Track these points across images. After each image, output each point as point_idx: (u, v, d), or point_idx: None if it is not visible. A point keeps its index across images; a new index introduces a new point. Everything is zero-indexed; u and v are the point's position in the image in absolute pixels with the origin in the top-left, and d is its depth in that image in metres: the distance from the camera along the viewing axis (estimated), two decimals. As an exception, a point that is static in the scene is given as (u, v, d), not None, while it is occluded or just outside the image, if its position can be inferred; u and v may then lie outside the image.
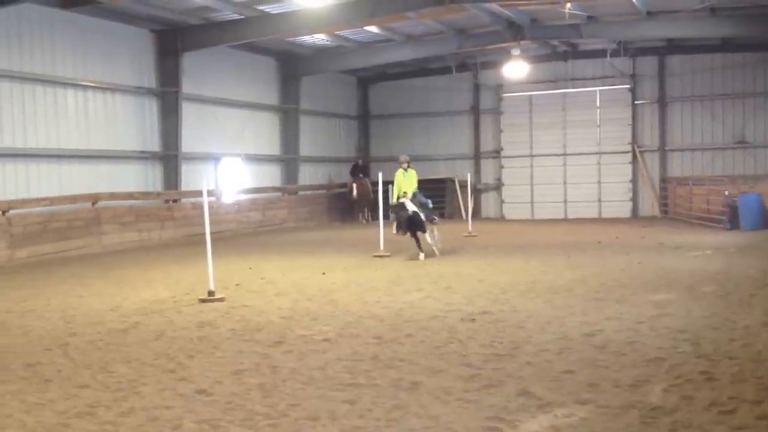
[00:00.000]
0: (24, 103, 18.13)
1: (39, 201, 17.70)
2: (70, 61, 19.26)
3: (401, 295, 11.16)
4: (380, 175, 18.03)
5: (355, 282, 12.67)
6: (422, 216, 15.97)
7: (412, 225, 15.78)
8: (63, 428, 5.58)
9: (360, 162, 29.64)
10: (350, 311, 9.98)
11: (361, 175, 28.57)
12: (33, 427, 5.61)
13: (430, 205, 16.98)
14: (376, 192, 25.73)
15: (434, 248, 16.11)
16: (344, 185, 29.22)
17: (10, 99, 17.78)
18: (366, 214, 28.35)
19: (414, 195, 16.52)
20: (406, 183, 16.72)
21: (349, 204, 28.55)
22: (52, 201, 17.99)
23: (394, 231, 15.85)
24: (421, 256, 15.65)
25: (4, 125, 17.63)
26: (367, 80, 32.04)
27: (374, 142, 32.43)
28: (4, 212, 16.65)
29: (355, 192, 27.82)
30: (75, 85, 19.42)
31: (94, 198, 19.14)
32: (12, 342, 8.61)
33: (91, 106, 20.01)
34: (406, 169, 16.94)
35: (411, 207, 15.86)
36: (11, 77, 17.74)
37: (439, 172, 30.34)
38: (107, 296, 11.75)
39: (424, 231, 15.88)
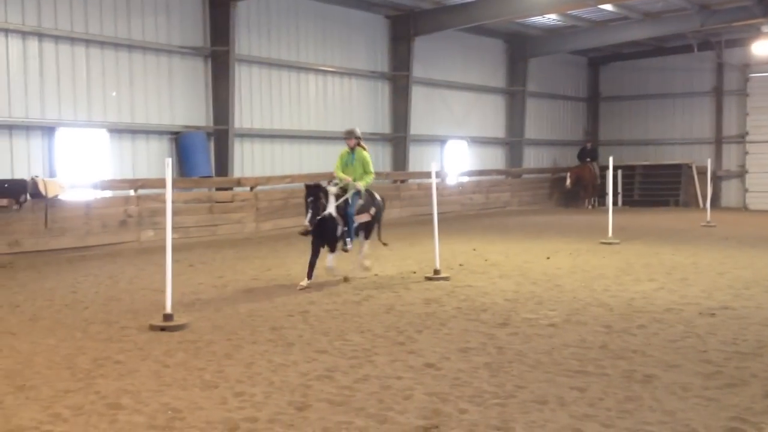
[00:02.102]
0: (271, 87, 19.60)
1: (282, 178, 19.08)
2: (312, 48, 20.49)
3: (631, 285, 10.72)
4: (611, 159, 17.35)
5: (581, 268, 12.37)
6: (339, 228, 10.89)
7: (322, 232, 10.77)
8: (305, 389, 5.99)
9: (588, 146, 28.72)
10: (577, 298, 9.77)
11: (588, 160, 27.69)
12: (279, 386, 6.08)
13: (354, 222, 11.09)
14: (603, 177, 24.93)
15: (363, 265, 11.57)
16: (570, 169, 28.50)
17: (259, 83, 19.30)
18: (592, 200, 27.50)
19: (358, 192, 11.14)
20: (350, 169, 11.20)
21: (569, 190, 27.76)
22: (293, 179, 19.30)
23: (307, 223, 10.68)
24: (304, 282, 10.63)
25: (254, 108, 19.19)
26: (598, 60, 30.89)
27: (603, 125, 31.25)
28: (252, 188, 18.15)
29: (568, 181, 27.00)
30: (316, 71, 20.66)
31: (331, 177, 20.20)
32: (259, 306, 9.39)
33: (329, 90, 21.20)
34: (352, 149, 11.22)
35: (331, 206, 10.74)
36: (260, 63, 19.22)
37: (675, 157, 28.67)
38: (340, 269, 12.40)
39: (332, 249, 10.92)
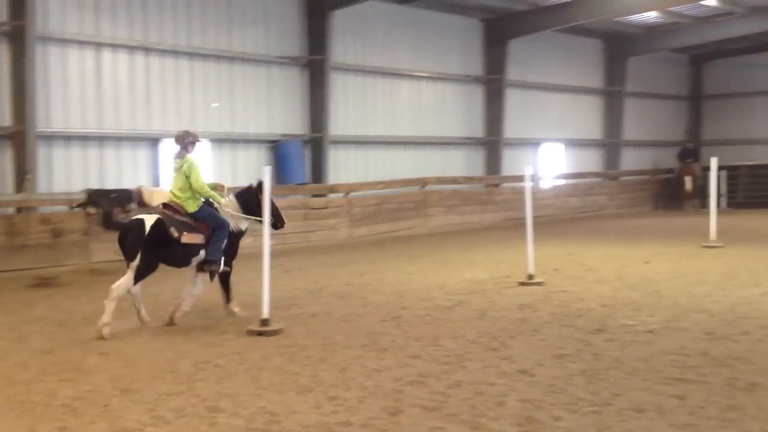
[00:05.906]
0: (365, 94, 19.87)
1: (375, 184, 19.32)
2: (406, 54, 20.64)
3: (735, 290, 10.30)
4: (714, 160, 16.68)
5: (681, 273, 11.96)
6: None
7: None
8: (398, 394, 6.05)
9: (690, 146, 27.71)
10: (676, 303, 9.47)
11: (689, 160, 26.72)
12: (372, 391, 6.16)
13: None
14: (705, 178, 23.96)
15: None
16: (671, 171, 27.62)
17: (354, 90, 19.61)
18: (693, 202, 26.50)
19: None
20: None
21: (677, 192, 26.82)
22: (386, 185, 19.51)
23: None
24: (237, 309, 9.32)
25: (349, 115, 19.49)
26: (700, 58, 29.83)
27: (707, 124, 30.17)
28: (346, 194, 18.42)
29: (688, 184, 26.09)
30: (409, 76, 20.80)
31: (423, 182, 20.37)
32: (353, 312, 9.52)
33: (423, 96, 21.30)
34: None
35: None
36: (355, 70, 19.50)
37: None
38: (433, 274, 12.45)
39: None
